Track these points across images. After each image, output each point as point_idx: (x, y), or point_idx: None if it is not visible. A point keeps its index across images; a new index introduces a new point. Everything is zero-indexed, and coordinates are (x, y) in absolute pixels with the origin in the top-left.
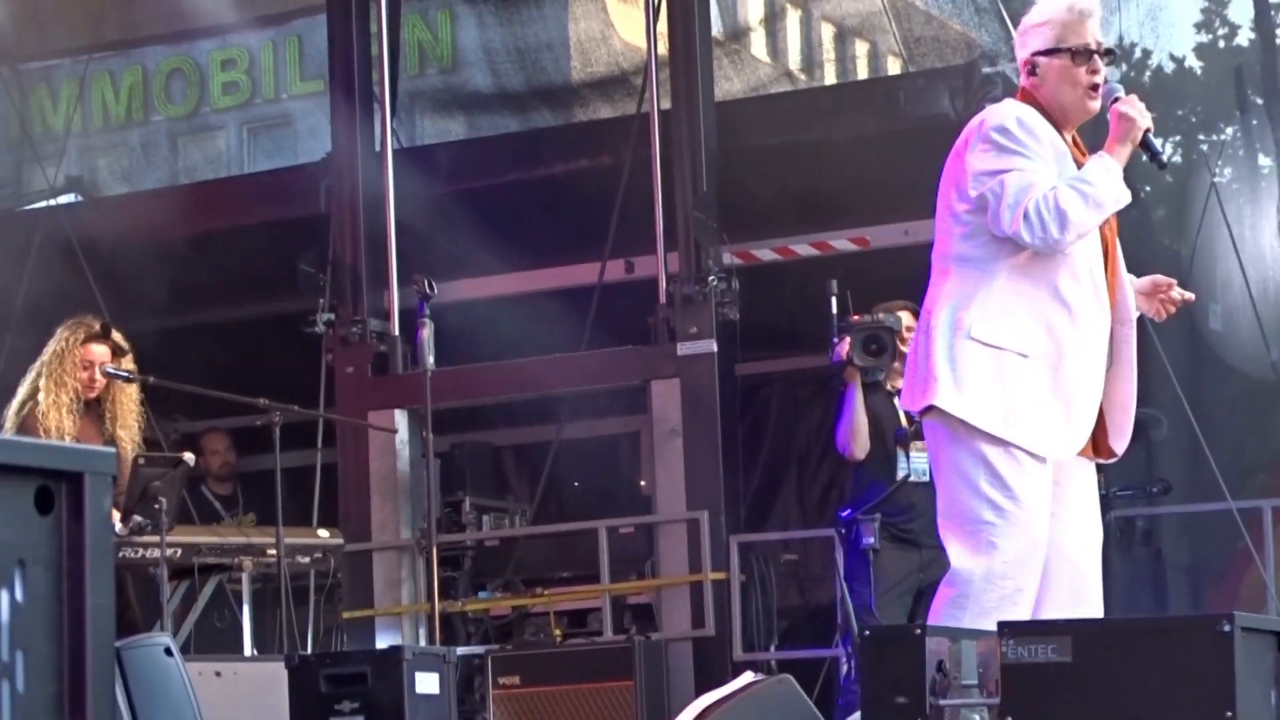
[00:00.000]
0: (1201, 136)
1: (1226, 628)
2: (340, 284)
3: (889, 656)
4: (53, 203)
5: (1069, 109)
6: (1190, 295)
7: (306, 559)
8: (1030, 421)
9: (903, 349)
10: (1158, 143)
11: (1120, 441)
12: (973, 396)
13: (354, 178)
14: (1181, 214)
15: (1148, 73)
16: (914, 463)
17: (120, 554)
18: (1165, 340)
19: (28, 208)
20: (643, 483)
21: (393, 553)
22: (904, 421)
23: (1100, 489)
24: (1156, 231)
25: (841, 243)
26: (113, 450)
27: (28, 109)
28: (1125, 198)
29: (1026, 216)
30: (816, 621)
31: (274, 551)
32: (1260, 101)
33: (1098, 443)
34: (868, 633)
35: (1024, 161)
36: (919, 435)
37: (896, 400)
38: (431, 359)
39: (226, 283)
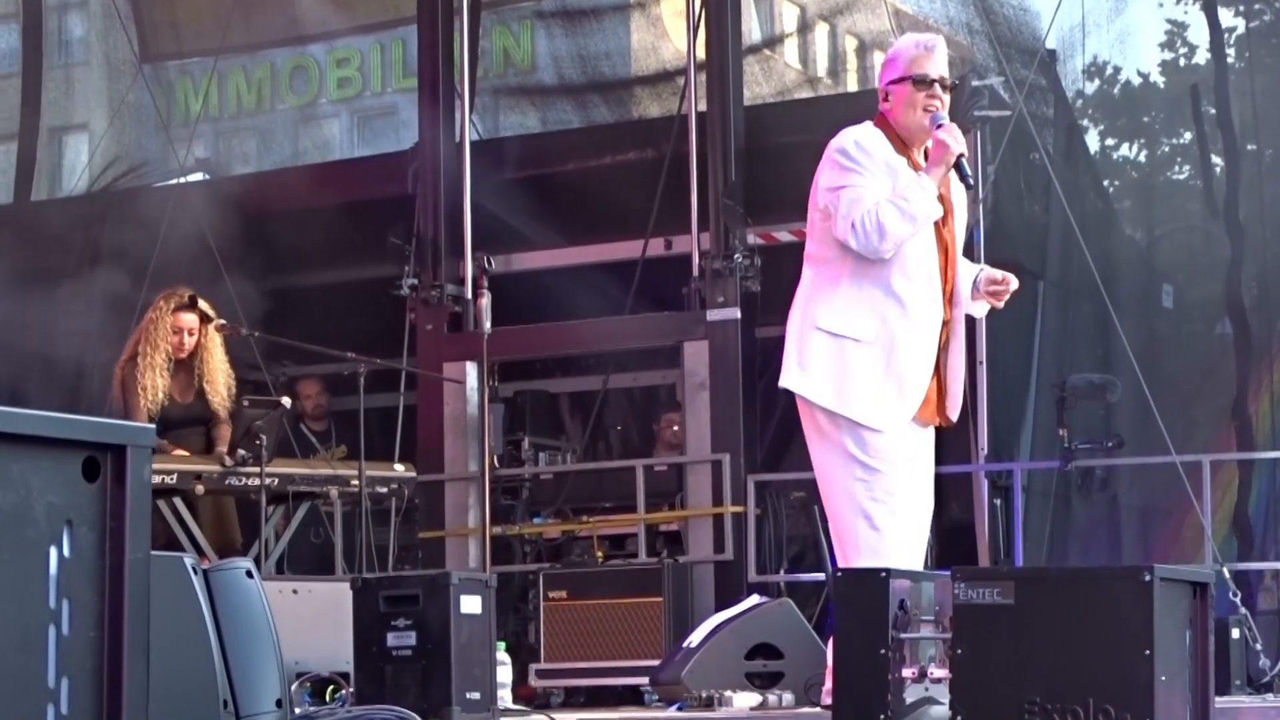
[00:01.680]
0: (1163, 139)
1: (1147, 578)
2: (423, 254)
3: (859, 594)
4: (183, 180)
5: (912, 130)
6: (1013, 281)
7: (384, 489)
8: (864, 398)
9: None
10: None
11: (954, 407)
12: (814, 378)
13: (436, 164)
14: (1145, 206)
15: (1118, 86)
16: None
17: (226, 482)
18: (1123, 317)
19: (162, 184)
20: (675, 428)
21: (462, 482)
22: None
23: (1064, 443)
24: (1120, 221)
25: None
26: (152, 427)
27: (171, 99)
28: (936, 212)
29: (854, 227)
30: (819, 550)
31: (357, 482)
32: (1213, 111)
33: (939, 408)
34: (840, 573)
35: (858, 179)
36: None
37: None
38: (488, 323)
39: (327, 251)
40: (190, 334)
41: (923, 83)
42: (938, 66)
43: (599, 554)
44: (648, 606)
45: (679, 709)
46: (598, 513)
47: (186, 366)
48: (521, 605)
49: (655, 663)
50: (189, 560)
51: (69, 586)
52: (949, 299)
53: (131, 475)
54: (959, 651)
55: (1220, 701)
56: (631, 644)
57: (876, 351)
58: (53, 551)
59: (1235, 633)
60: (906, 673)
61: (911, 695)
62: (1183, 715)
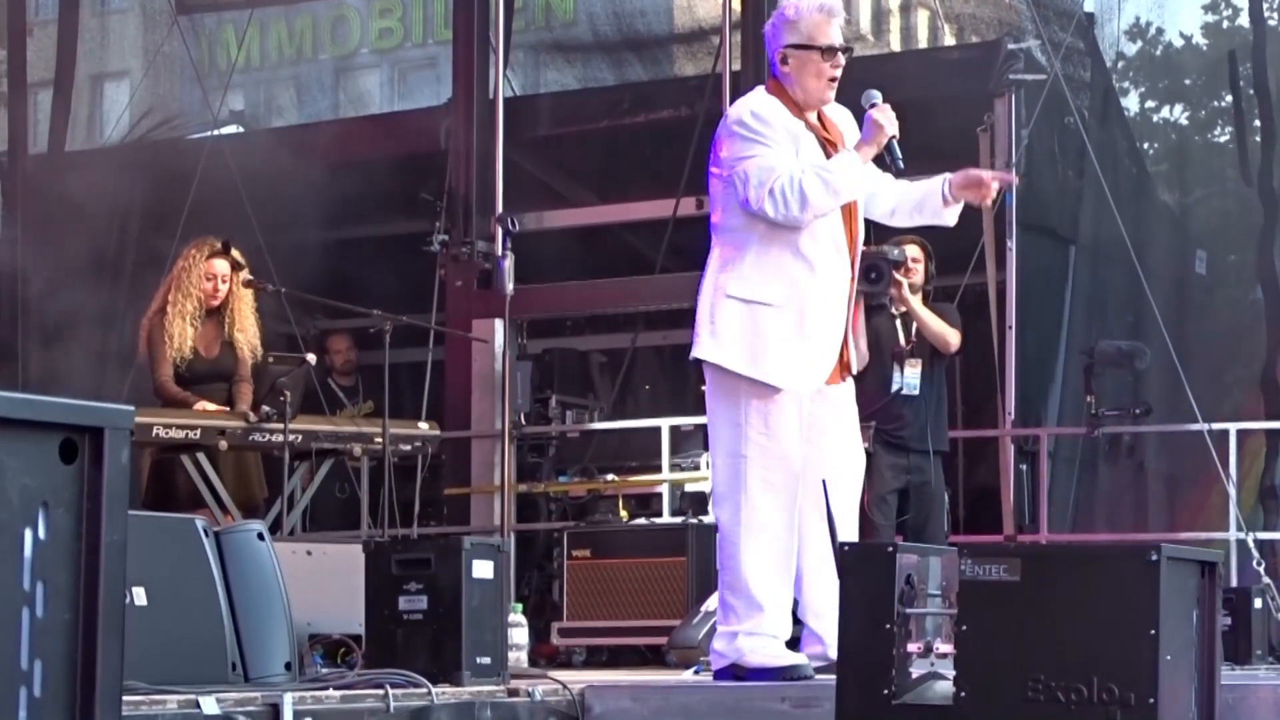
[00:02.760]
0: (1204, 102)
1: (1154, 557)
2: (454, 211)
3: (864, 570)
4: (217, 133)
5: (810, 96)
6: (1008, 175)
7: (408, 447)
8: (778, 361)
9: (899, 278)
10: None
11: (859, 360)
12: (727, 345)
13: (469, 120)
14: (1183, 169)
15: (1160, 47)
16: (906, 378)
17: (250, 438)
18: (1155, 283)
19: (197, 136)
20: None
21: (488, 439)
22: (902, 341)
23: (1091, 409)
24: (1156, 185)
25: None
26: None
27: (213, 49)
28: (860, 189)
29: (772, 194)
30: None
31: (380, 440)
32: (1250, 70)
33: (843, 366)
34: (845, 547)
35: (762, 148)
36: (913, 354)
37: (898, 322)
38: (511, 285)
39: (360, 205)
40: (223, 281)
41: (829, 51)
42: (839, 33)
43: (624, 513)
44: (671, 566)
45: (696, 672)
46: (624, 472)
47: (215, 318)
48: (545, 563)
49: (679, 622)
50: (200, 522)
51: (43, 569)
52: (853, 260)
53: (109, 457)
54: (964, 628)
55: (1238, 673)
56: (654, 604)
57: (788, 315)
58: (27, 533)
59: (1258, 602)
60: (912, 648)
61: (917, 670)
62: (1187, 696)
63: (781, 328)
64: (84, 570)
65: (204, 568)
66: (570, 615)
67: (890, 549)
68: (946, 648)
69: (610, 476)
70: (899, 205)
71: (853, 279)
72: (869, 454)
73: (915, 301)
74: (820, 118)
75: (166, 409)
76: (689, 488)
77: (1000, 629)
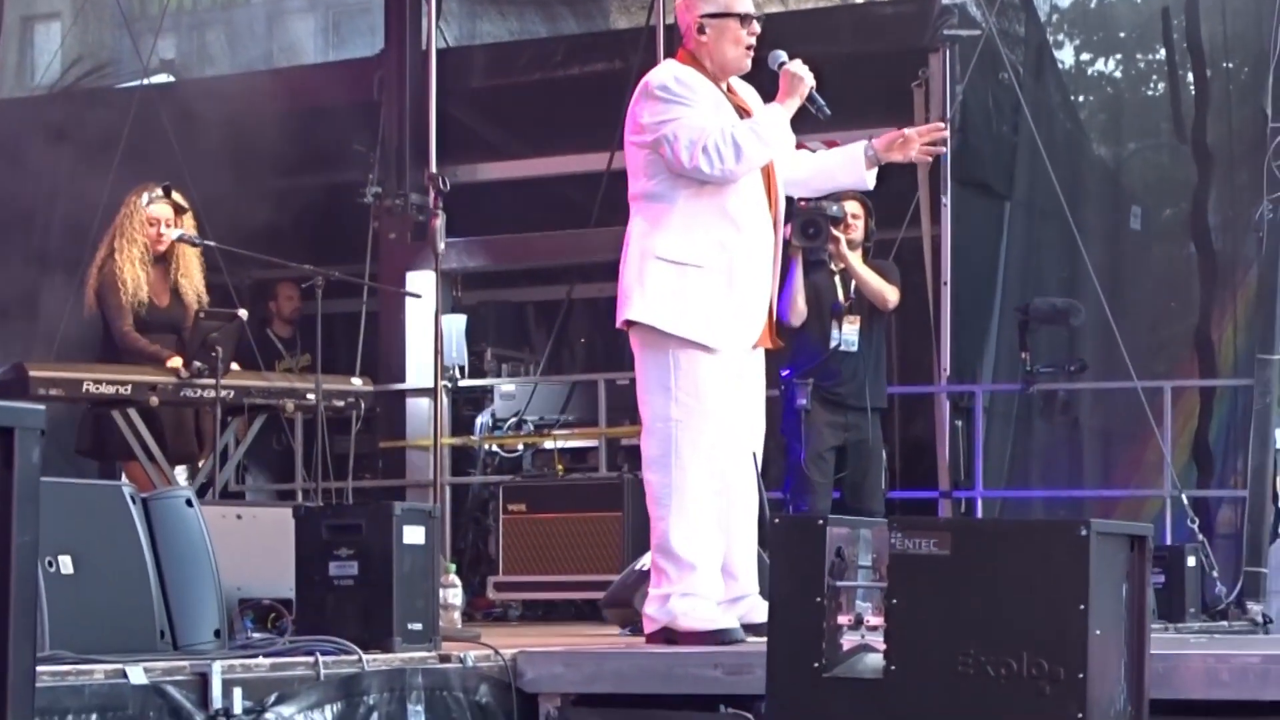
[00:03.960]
0: (1139, 55)
1: (1083, 532)
2: (387, 163)
3: (795, 542)
4: (148, 82)
5: (728, 64)
6: (939, 128)
7: (341, 403)
8: (708, 321)
9: (838, 234)
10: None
11: (798, 318)
12: (658, 305)
13: (402, 72)
14: (1118, 123)
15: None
16: (845, 334)
17: (182, 394)
18: (1090, 239)
19: (127, 85)
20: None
21: (424, 392)
22: (840, 297)
23: (1026, 366)
24: (1091, 141)
25: (814, 144)
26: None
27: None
28: (789, 141)
29: (705, 151)
30: (768, 466)
31: (313, 395)
32: (1184, 24)
33: (770, 330)
34: (776, 520)
35: (685, 110)
36: (851, 311)
37: (836, 278)
38: (443, 243)
39: (292, 156)
40: (167, 224)
41: (746, 19)
42: (752, 4)
43: (559, 468)
44: (607, 521)
45: (630, 632)
46: (559, 426)
47: (162, 266)
48: (481, 517)
49: (614, 578)
50: (127, 489)
51: None
52: (775, 223)
53: (19, 458)
54: (894, 601)
55: (1170, 635)
56: (590, 558)
57: (717, 276)
58: None
59: (1191, 560)
60: (842, 620)
61: (847, 642)
62: (1117, 669)
63: (711, 288)
64: None
65: (131, 535)
66: (506, 569)
67: (820, 521)
68: (877, 620)
69: (546, 430)
70: (813, 175)
71: (777, 241)
72: (806, 411)
73: (854, 258)
74: (730, 89)
75: (102, 364)
76: (625, 442)
77: (930, 603)
